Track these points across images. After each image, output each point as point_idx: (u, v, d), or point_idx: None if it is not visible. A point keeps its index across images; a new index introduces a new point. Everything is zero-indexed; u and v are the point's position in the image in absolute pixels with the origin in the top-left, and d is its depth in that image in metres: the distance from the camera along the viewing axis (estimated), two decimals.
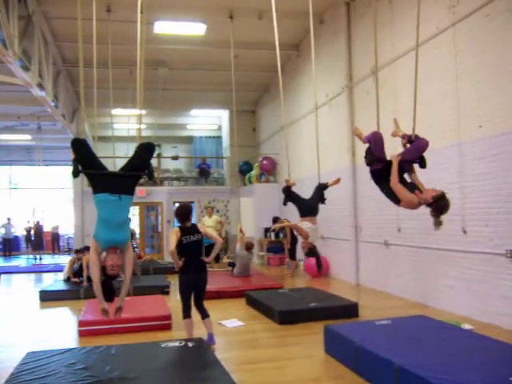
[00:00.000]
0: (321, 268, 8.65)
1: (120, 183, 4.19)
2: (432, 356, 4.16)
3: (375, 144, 4.81)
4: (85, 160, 4.24)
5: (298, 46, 13.18)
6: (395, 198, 4.67)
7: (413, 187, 4.64)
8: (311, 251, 7.85)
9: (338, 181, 8.39)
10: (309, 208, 7.96)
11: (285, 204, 8.35)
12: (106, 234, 4.07)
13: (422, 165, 4.84)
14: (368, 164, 4.89)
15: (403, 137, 4.98)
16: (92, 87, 7.55)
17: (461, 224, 6.84)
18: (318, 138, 8.78)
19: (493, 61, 6.34)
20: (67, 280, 10.07)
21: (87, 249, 9.45)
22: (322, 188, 8.22)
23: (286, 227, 8.78)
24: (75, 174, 4.26)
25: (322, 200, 8.09)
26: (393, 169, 4.63)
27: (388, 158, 4.82)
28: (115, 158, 12.42)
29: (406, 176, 4.81)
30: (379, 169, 4.82)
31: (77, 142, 4.31)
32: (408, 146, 4.91)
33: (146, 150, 4.45)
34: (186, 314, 5.68)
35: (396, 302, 8.15)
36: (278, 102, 13.80)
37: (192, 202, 15.68)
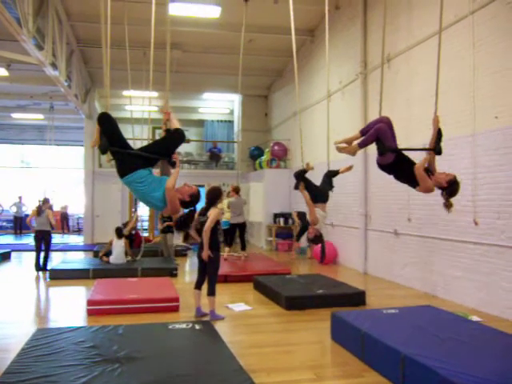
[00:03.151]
0: (324, 256, 8.81)
1: (144, 162, 4.01)
2: (439, 346, 4.15)
3: (382, 137, 4.60)
4: (111, 135, 4.02)
5: (312, 31, 13.01)
6: (413, 182, 4.59)
7: (427, 172, 4.58)
8: (317, 238, 7.67)
9: (350, 168, 8.19)
10: (322, 195, 7.82)
11: (296, 188, 7.83)
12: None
13: (437, 150, 4.72)
14: (380, 154, 4.66)
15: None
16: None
17: (472, 215, 6.78)
18: (329, 126, 8.76)
19: None
20: (99, 258, 10.53)
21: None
22: (331, 175, 8.13)
23: (305, 198, 7.71)
24: (103, 151, 4.04)
25: (331, 187, 7.97)
26: (423, 159, 4.60)
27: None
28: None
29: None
30: (390, 162, 4.64)
31: (103, 116, 4.13)
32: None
33: (177, 138, 4.25)
34: (195, 284, 6.45)
35: (404, 291, 8.13)
36: (290, 88, 13.71)
37: (202, 186, 15.69)
